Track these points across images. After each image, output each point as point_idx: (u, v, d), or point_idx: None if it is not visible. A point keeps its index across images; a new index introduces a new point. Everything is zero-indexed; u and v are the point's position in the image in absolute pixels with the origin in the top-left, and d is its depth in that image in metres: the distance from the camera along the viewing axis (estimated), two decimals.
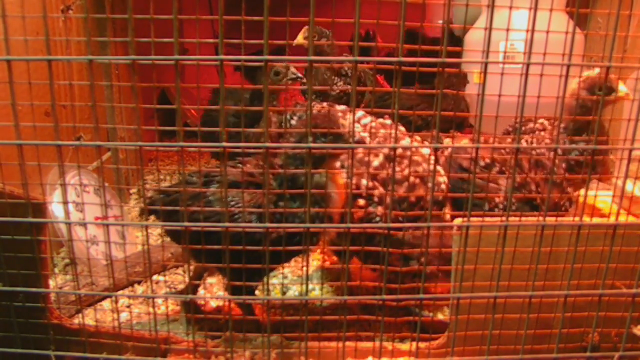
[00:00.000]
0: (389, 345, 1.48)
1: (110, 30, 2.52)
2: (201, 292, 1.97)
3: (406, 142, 1.74)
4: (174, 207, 1.35)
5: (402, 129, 1.78)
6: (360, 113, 1.82)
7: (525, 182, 1.76)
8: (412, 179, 1.59)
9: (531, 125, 2.08)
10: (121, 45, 2.67)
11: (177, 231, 1.50)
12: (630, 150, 1.10)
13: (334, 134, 1.31)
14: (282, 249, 1.13)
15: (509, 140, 2.05)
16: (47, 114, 2.02)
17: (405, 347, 1.50)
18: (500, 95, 1.16)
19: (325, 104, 1.99)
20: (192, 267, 1.79)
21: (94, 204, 2.18)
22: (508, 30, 1.19)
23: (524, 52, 2.58)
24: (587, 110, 1.85)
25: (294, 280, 2.04)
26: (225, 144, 1.00)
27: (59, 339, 1.30)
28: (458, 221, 1.30)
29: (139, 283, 2.08)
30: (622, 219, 1.18)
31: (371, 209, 1.59)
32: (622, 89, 1.83)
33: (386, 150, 1.64)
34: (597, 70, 1.85)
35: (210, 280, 2.04)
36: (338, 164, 1.51)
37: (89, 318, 1.66)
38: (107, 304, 1.91)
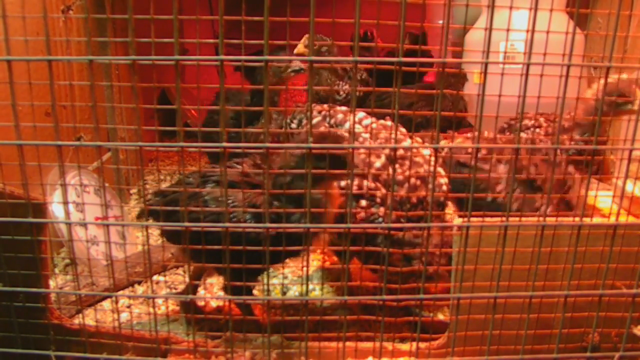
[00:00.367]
0: (389, 345, 1.48)
1: (110, 30, 2.52)
2: (201, 292, 1.96)
3: (407, 143, 1.74)
4: (172, 206, 1.35)
5: (403, 129, 1.78)
6: (361, 114, 1.82)
7: (522, 165, 1.74)
8: (412, 179, 1.59)
9: (526, 122, 2.08)
10: (121, 45, 2.67)
11: (173, 232, 1.50)
12: (630, 150, 1.10)
13: (335, 155, 1.27)
14: (282, 248, 1.13)
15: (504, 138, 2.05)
16: (47, 114, 2.02)
17: (405, 347, 1.50)
18: (500, 95, 1.16)
19: (325, 105, 1.98)
20: (191, 267, 1.79)
21: (94, 204, 2.18)
22: (508, 30, 1.19)
23: (524, 52, 2.58)
24: (605, 114, 1.83)
25: (294, 280, 2.04)
26: (225, 144, 1.00)
27: (59, 339, 1.30)
28: (458, 221, 1.30)
29: (139, 283, 2.08)
30: (622, 219, 1.18)
31: (373, 210, 1.60)
32: None
33: (387, 151, 1.64)
34: (624, 76, 1.82)
35: (210, 280, 2.04)
36: (335, 184, 1.50)
37: (89, 318, 1.66)
38: (107, 304, 1.91)
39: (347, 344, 1.32)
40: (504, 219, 1.10)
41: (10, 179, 1.23)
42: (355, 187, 1.59)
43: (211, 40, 2.40)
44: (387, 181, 1.61)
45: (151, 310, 1.23)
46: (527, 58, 0.99)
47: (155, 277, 2.13)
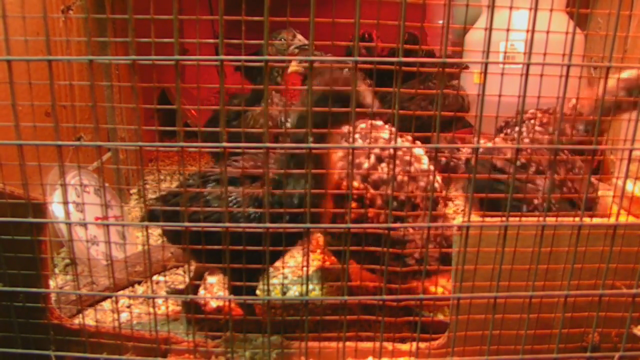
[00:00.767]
0: (389, 345, 1.48)
1: (110, 30, 2.52)
2: (201, 292, 1.97)
3: (398, 142, 1.73)
4: (173, 211, 1.35)
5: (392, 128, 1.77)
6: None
7: (561, 181, 1.72)
8: (399, 177, 1.58)
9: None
10: (121, 45, 2.67)
11: (176, 233, 1.50)
12: (630, 150, 1.10)
13: (347, 97, 1.11)
14: (282, 248, 1.13)
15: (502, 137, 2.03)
16: (47, 114, 2.02)
17: (405, 347, 1.50)
18: (500, 95, 1.16)
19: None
20: (192, 267, 1.79)
21: (94, 204, 2.18)
22: (508, 30, 1.19)
23: (524, 52, 2.58)
24: (622, 111, 1.82)
25: (294, 281, 2.04)
26: (225, 144, 1.00)
27: (59, 339, 1.30)
28: (458, 221, 1.30)
29: (139, 283, 2.08)
30: (622, 219, 1.18)
31: (362, 211, 1.59)
32: None
33: (377, 151, 1.63)
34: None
35: (210, 280, 2.04)
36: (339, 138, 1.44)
37: (89, 318, 1.66)
38: (107, 304, 1.91)
39: (347, 344, 1.32)
40: (504, 218, 1.10)
41: (10, 179, 1.23)
42: (344, 188, 1.58)
43: (211, 40, 2.40)
44: (376, 181, 1.60)
45: (151, 310, 1.23)
46: (527, 58, 0.99)
47: (155, 277, 2.13)
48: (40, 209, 1.25)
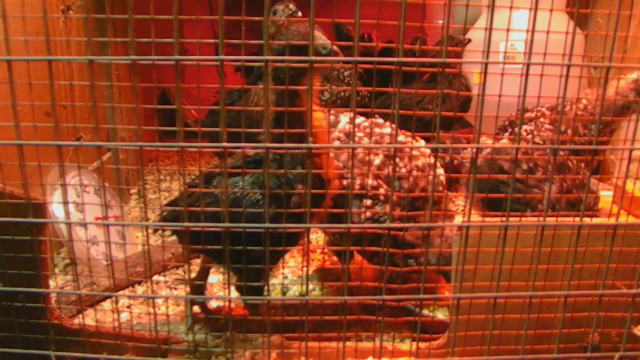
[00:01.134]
0: (389, 345, 1.48)
1: (110, 30, 2.52)
2: None
3: (401, 137, 1.73)
4: (173, 208, 1.34)
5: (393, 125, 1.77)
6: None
7: (570, 185, 1.71)
8: (414, 173, 1.58)
9: (528, 114, 2.06)
10: (121, 45, 2.68)
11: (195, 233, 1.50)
12: (630, 150, 1.10)
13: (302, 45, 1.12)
14: (282, 248, 1.13)
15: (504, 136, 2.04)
16: (47, 114, 2.02)
17: (405, 347, 1.50)
18: (500, 95, 1.16)
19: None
20: (190, 268, 1.79)
21: (94, 204, 2.18)
22: (508, 30, 1.19)
23: (524, 52, 2.58)
24: (632, 112, 1.82)
25: (294, 281, 2.04)
26: (225, 144, 1.00)
27: (59, 339, 1.30)
28: (458, 221, 1.30)
29: (139, 283, 2.08)
30: (622, 219, 1.18)
31: (377, 209, 1.59)
32: None
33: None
34: None
35: (211, 280, 2.04)
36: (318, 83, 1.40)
37: (89, 318, 1.66)
38: (107, 304, 1.91)
39: (347, 344, 1.32)
40: (504, 219, 1.10)
41: (10, 179, 1.23)
42: (357, 187, 1.59)
43: (211, 40, 2.40)
44: (389, 178, 1.60)
45: (151, 310, 1.23)
46: (527, 58, 0.99)
47: (155, 277, 2.13)
48: (40, 209, 1.25)
